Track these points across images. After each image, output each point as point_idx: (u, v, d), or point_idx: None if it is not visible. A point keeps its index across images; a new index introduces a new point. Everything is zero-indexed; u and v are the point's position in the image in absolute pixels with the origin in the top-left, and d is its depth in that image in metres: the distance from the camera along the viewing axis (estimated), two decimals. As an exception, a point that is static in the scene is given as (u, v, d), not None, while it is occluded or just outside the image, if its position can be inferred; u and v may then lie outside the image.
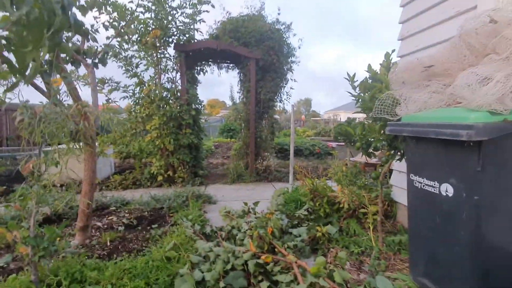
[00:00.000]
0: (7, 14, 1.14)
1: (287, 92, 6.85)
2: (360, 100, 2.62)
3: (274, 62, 6.29)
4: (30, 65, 1.27)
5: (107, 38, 3.92)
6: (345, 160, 4.88)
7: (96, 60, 3.47)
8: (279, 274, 2.07)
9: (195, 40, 5.93)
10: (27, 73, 1.28)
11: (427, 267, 1.92)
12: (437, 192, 1.72)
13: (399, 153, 2.55)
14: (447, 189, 1.65)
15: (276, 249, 2.43)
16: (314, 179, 3.60)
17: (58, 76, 2.75)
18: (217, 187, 5.51)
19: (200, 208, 3.86)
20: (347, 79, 2.64)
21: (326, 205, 3.15)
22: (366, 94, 2.70)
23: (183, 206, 3.85)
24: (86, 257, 2.43)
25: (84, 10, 2.49)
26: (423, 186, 1.84)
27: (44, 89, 2.40)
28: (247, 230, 2.77)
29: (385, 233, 2.87)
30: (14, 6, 1.14)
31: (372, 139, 2.87)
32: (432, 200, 1.77)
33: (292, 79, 6.85)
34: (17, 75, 1.34)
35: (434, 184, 1.73)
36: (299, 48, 6.87)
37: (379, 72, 2.81)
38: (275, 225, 2.71)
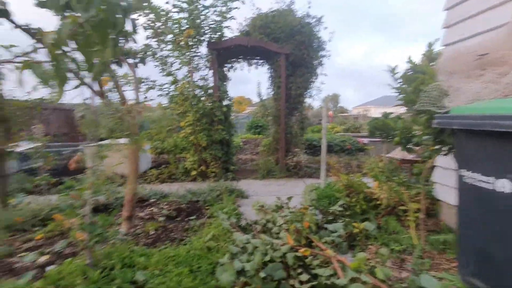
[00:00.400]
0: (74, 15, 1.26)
1: (317, 87, 6.75)
2: (402, 93, 2.51)
3: (304, 57, 6.21)
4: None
5: (147, 38, 4.13)
6: (381, 156, 4.71)
7: (137, 60, 3.67)
8: (318, 268, 2.07)
9: (226, 38, 6.03)
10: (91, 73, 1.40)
11: (478, 267, 1.81)
12: (492, 188, 1.62)
13: (445, 148, 2.42)
14: (504, 185, 1.54)
15: (313, 244, 2.43)
16: (349, 175, 3.53)
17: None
18: (248, 182, 5.59)
19: (234, 202, 3.95)
20: (388, 71, 2.55)
21: (362, 201, 3.08)
22: (407, 86, 2.59)
23: (218, 200, 3.97)
24: (133, 244, 2.61)
25: (128, 12, 2.65)
26: (475, 182, 1.73)
27: (95, 88, 2.59)
28: (282, 224, 2.79)
29: (427, 232, 2.75)
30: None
31: (412, 134, 2.75)
32: (485, 197, 1.67)
33: (322, 74, 6.74)
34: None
35: (489, 180, 1.63)
36: (329, 41, 6.73)
37: (420, 63, 2.68)
38: (310, 220, 2.70)
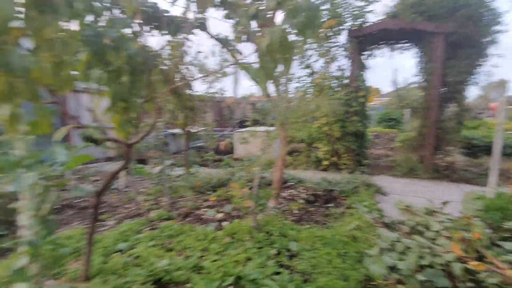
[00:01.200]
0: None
1: (486, 72, 5.37)
2: None
3: (470, 35, 5.04)
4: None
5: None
6: None
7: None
8: (496, 288, 1.76)
9: (369, 23, 5.67)
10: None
11: None
12: None
13: None
14: None
15: (485, 259, 2.06)
16: (544, 186, 2.70)
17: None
18: (384, 178, 5.19)
19: (371, 197, 3.80)
20: None
21: None
22: None
23: (354, 192, 3.93)
24: (282, 218, 2.99)
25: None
26: None
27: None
28: (440, 230, 2.49)
29: None
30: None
31: None
32: None
33: (495, 54, 5.29)
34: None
35: None
36: (508, 12, 5.16)
37: None
38: (481, 232, 2.28)
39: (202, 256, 2.27)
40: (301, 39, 1.50)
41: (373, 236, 2.57)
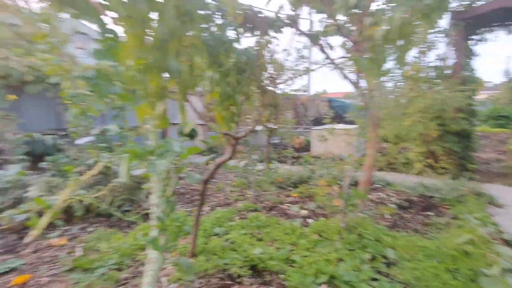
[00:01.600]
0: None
1: None
2: None
3: None
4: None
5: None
6: None
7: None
8: None
9: (481, 2, 4.76)
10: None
11: None
12: None
13: None
14: None
15: None
16: None
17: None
18: (497, 187, 4.32)
19: (483, 208, 3.22)
20: None
21: None
22: None
23: (459, 201, 3.39)
24: (373, 222, 2.80)
25: None
26: None
27: (353, 80, 2.91)
28: None
29: None
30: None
31: None
32: None
33: None
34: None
35: None
36: None
37: None
38: None
39: (291, 250, 2.31)
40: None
41: (491, 254, 2.18)
